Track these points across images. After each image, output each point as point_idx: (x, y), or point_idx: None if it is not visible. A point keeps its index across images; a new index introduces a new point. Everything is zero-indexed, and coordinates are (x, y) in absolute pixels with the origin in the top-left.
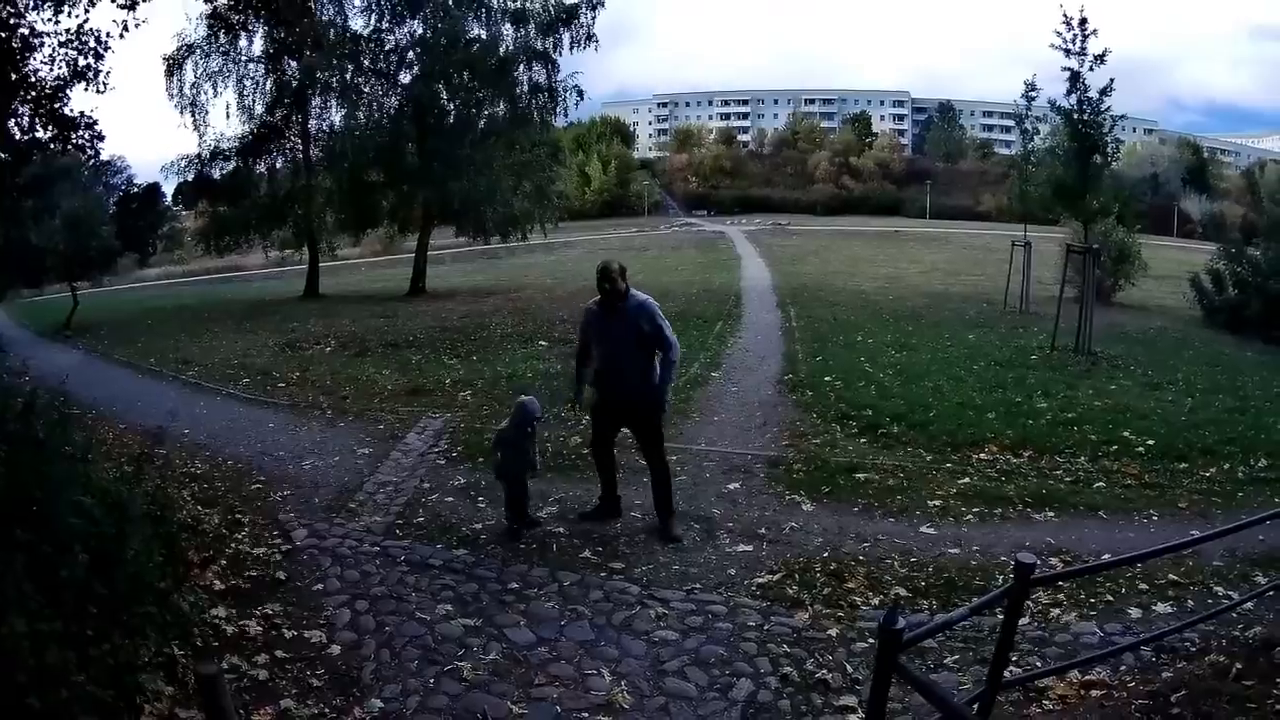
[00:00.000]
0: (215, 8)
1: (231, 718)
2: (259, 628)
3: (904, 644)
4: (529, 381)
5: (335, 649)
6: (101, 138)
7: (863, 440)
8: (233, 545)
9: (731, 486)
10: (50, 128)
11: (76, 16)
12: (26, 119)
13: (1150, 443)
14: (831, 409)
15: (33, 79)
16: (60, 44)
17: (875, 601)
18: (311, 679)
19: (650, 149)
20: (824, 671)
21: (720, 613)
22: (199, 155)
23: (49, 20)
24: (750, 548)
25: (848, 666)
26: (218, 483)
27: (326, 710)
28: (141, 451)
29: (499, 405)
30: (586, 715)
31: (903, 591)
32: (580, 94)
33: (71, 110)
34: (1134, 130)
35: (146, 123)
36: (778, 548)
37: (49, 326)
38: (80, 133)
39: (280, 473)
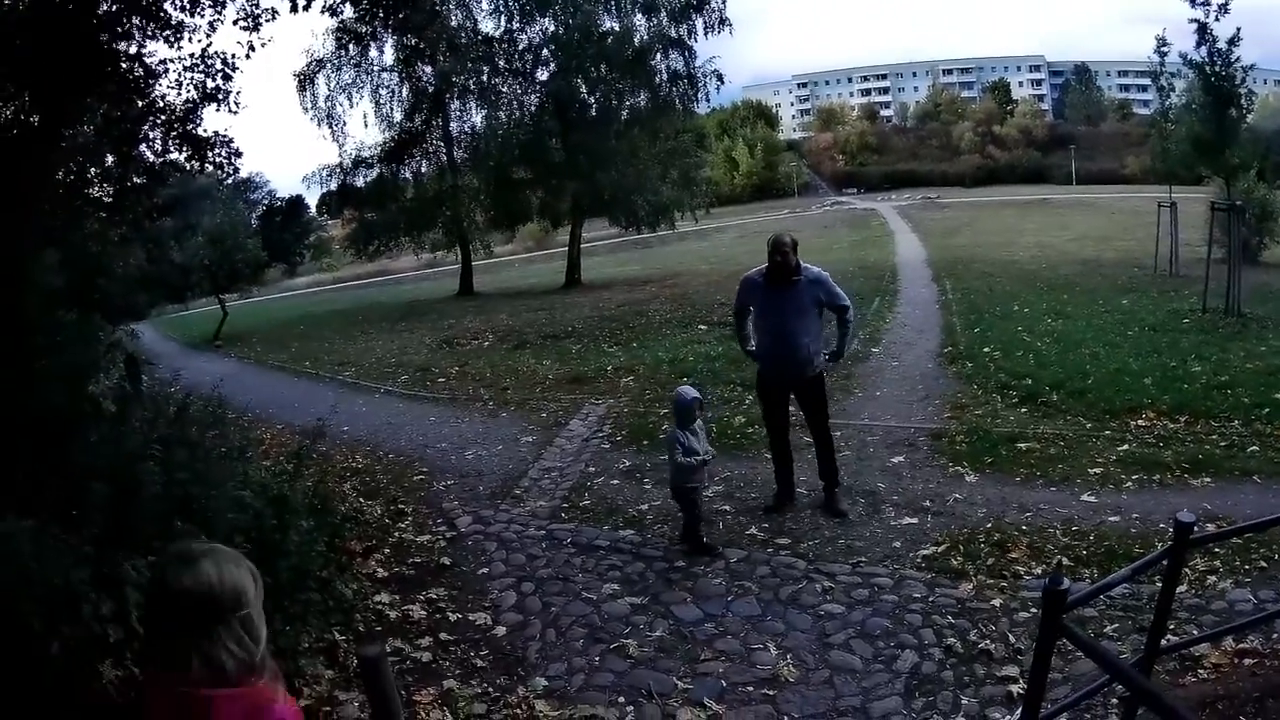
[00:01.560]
0: (342, 22)
1: (394, 699)
2: (423, 612)
3: (1068, 605)
4: (691, 365)
5: (500, 630)
6: (239, 154)
7: (1023, 410)
8: (396, 534)
9: (895, 460)
10: (185, 148)
11: (199, 42)
12: (159, 142)
13: None
14: (991, 379)
15: (161, 104)
16: (186, 69)
17: (1038, 571)
18: (475, 660)
19: (794, 130)
20: (987, 642)
21: (885, 585)
22: (340, 165)
23: (172, 47)
24: (915, 520)
25: (1010, 636)
26: (379, 475)
27: (490, 689)
28: (300, 447)
29: (661, 389)
30: (752, 689)
31: (1065, 560)
32: (720, 78)
33: (205, 131)
34: (1265, 82)
35: (285, 139)
36: (942, 519)
37: (198, 339)
38: (216, 151)
39: (443, 464)
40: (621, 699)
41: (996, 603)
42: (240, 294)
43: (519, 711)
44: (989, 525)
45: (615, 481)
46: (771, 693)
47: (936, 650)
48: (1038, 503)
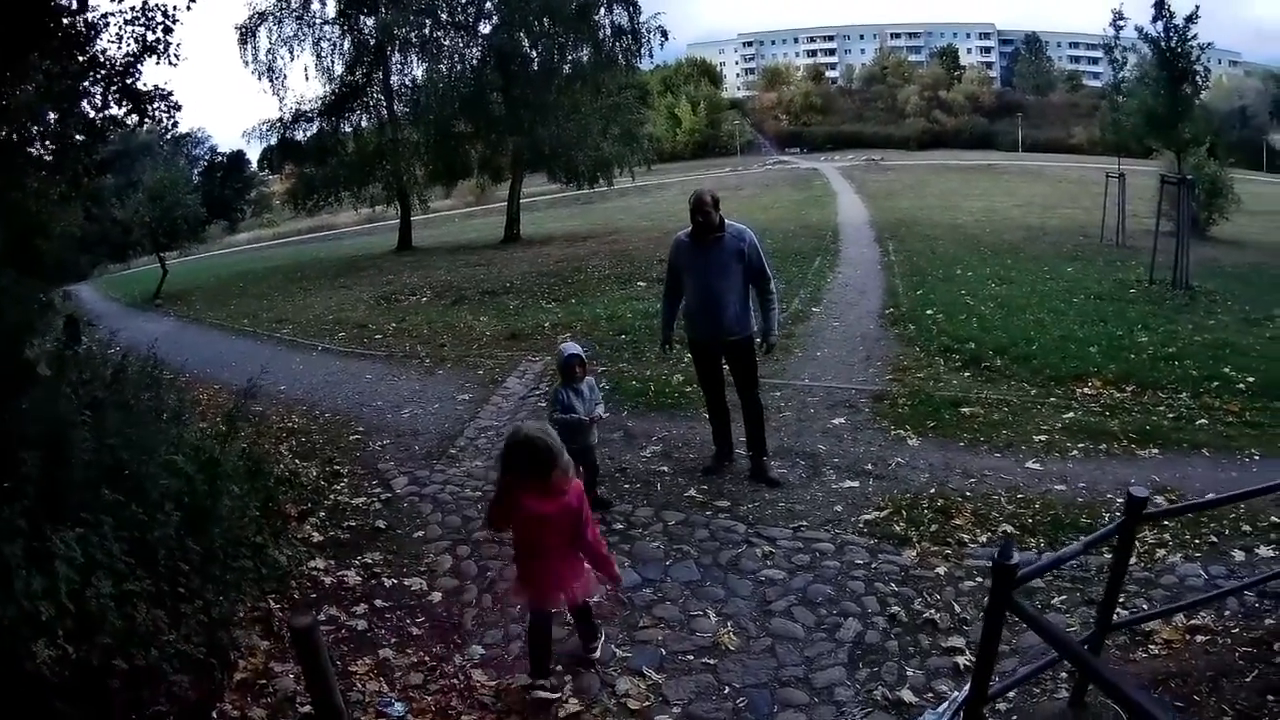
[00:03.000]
0: None
1: (327, 670)
2: (358, 578)
3: (1017, 580)
4: (629, 322)
5: (436, 596)
6: (178, 108)
7: (966, 374)
8: (331, 497)
9: (836, 422)
10: (124, 103)
11: None
12: (99, 98)
13: (1251, 379)
14: (934, 342)
15: (102, 58)
16: (126, 21)
17: (983, 539)
18: (411, 627)
19: (739, 89)
20: (931, 611)
21: (827, 551)
22: (280, 119)
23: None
24: (856, 484)
25: (955, 606)
26: (315, 436)
27: (426, 658)
28: (233, 408)
29: (599, 347)
30: (692, 657)
31: (1010, 529)
32: (664, 35)
33: (145, 85)
34: (1219, 62)
35: (225, 93)
36: (884, 484)
37: (139, 298)
38: (155, 105)
39: (379, 423)
40: (559, 667)
41: (941, 571)
42: (181, 252)
43: (456, 681)
44: (932, 491)
45: None
46: (712, 661)
47: (880, 619)
48: (982, 469)
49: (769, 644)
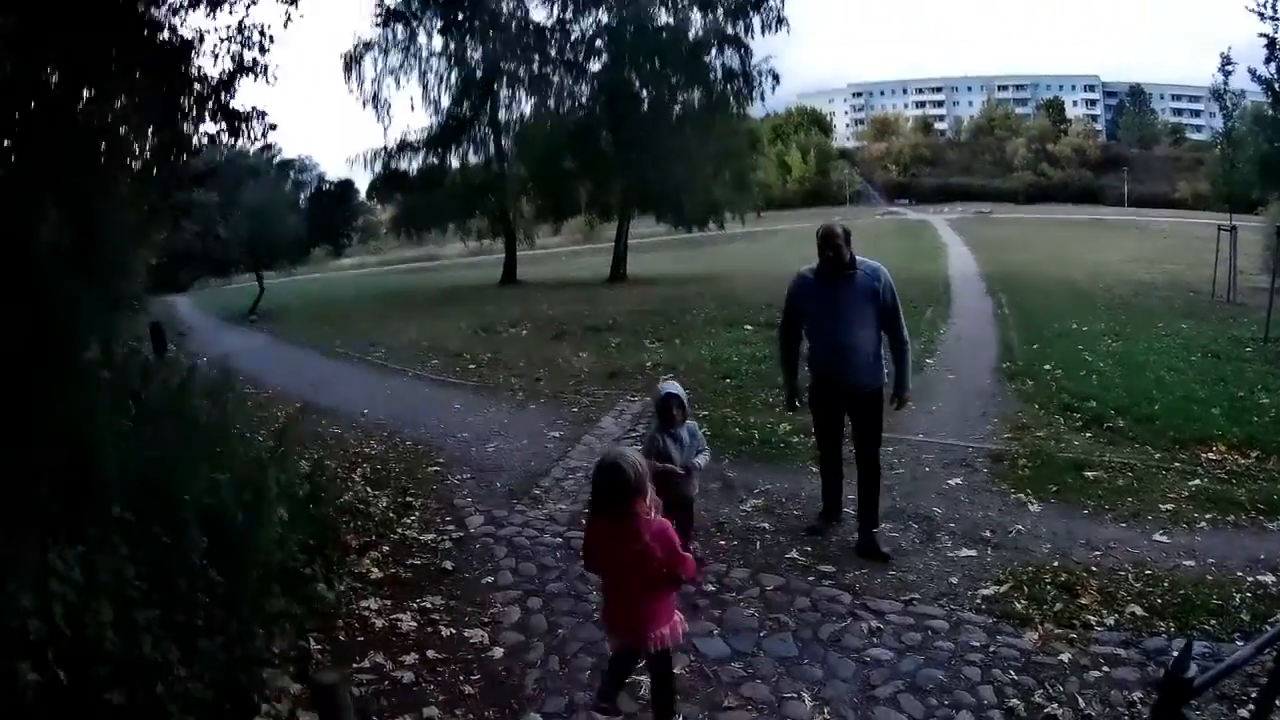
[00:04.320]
0: (386, 6)
1: None
2: (413, 623)
3: (1190, 693)
4: (734, 365)
5: (497, 652)
6: (273, 127)
7: (1087, 434)
8: (399, 531)
9: (953, 482)
10: (219, 120)
11: (237, 14)
12: (194, 113)
13: None
14: (1053, 399)
15: (197, 74)
16: (223, 39)
17: (1110, 621)
18: (464, 685)
19: (848, 138)
20: (1054, 706)
21: (941, 629)
22: (385, 148)
23: (208, 17)
24: (974, 553)
25: (1080, 700)
26: (392, 464)
27: None
28: (284, 425)
29: (702, 389)
30: None
31: (1138, 610)
32: (776, 79)
33: (243, 106)
34: None
35: (334, 123)
36: (1003, 554)
37: (235, 313)
38: (251, 124)
39: (461, 455)
40: None
41: (1065, 658)
42: (281, 272)
43: None
44: (1055, 563)
45: None
46: None
47: (997, 713)
48: (1107, 540)
49: None
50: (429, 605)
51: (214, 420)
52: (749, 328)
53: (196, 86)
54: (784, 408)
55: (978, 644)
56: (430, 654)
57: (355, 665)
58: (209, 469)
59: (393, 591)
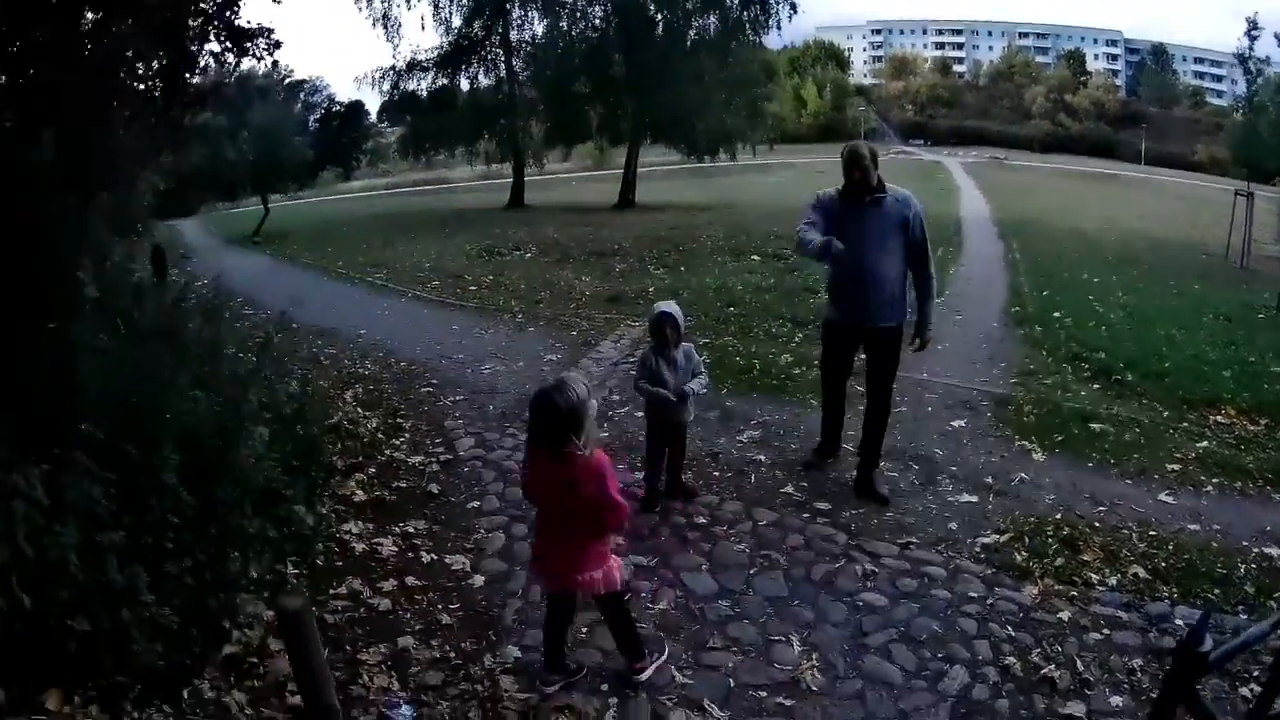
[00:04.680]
0: None
1: (318, 664)
2: (394, 548)
3: (1205, 669)
4: (739, 295)
5: (478, 580)
6: (278, 45)
7: (1095, 385)
8: (386, 452)
9: (956, 424)
10: (223, 39)
11: None
12: (199, 32)
13: None
14: (1062, 348)
15: None
16: None
17: (1112, 581)
18: (443, 614)
19: (865, 76)
20: (1051, 667)
21: (938, 577)
22: (394, 68)
23: None
24: (975, 499)
25: (1078, 662)
26: (385, 385)
27: (452, 654)
28: (263, 340)
29: (705, 317)
30: (765, 694)
31: (1141, 572)
32: (793, 7)
33: (248, 22)
34: None
35: (343, 45)
36: (1005, 501)
37: (239, 235)
38: (255, 42)
39: (455, 377)
40: (605, 686)
41: (1065, 615)
42: (288, 194)
43: (480, 687)
44: (1058, 515)
45: (640, 414)
46: (788, 702)
47: (991, 670)
48: (1112, 496)
49: (858, 687)
50: (411, 530)
51: (205, 340)
52: (756, 258)
53: (202, 4)
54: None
55: (975, 595)
56: (410, 580)
57: (331, 591)
58: (191, 388)
59: (376, 515)
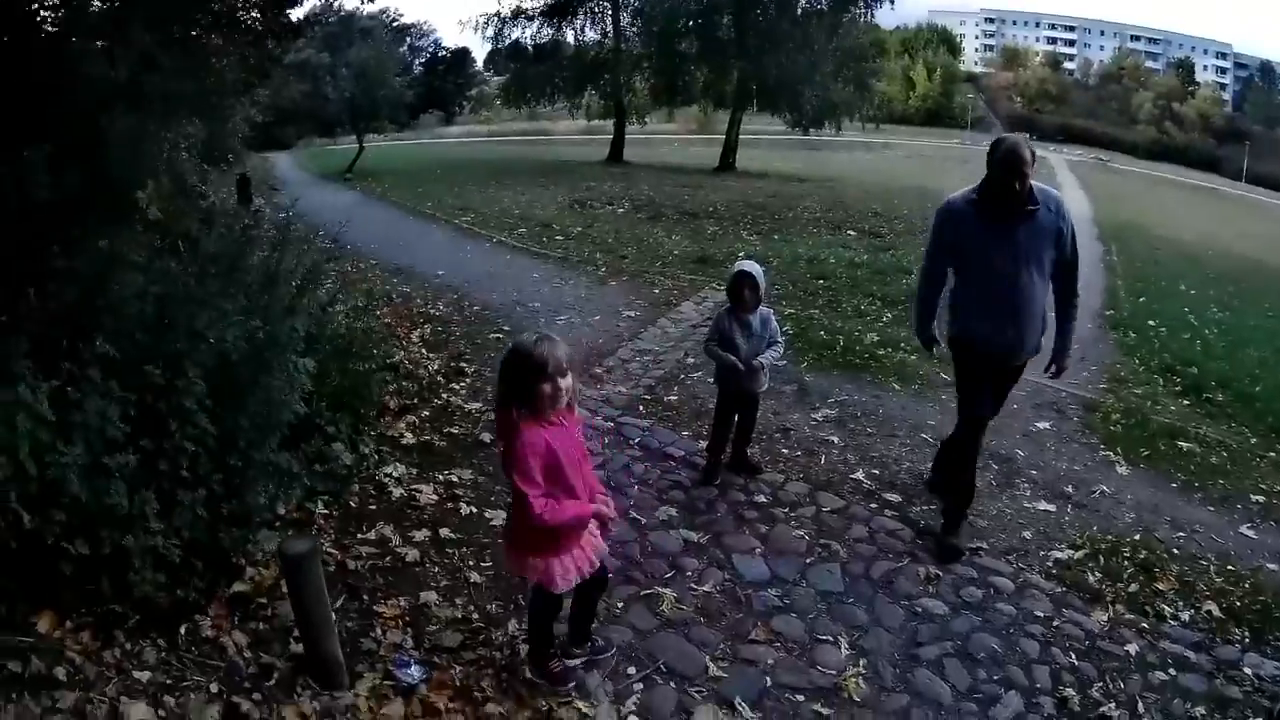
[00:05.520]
0: None
1: (321, 611)
2: (434, 496)
3: None
4: (830, 268)
5: None
6: None
7: (1185, 401)
8: (444, 396)
9: (1041, 425)
10: None
11: None
12: None
13: None
14: (1155, 357)
15: None
16: None
17: (1185, 616)
18: (472, 572)
19: (975, 64)
20: (1111, 705)
21: (1005, 589)
22: (498, 13)
23: None
24: (1052, 508)
25: (1139, 704)
26: (454, 328)
27: (475, 616)
28: (310, 267)
29: (793, 286)
30: (802, 699)
31: (1215, 610)
32: None
33: None
34: None
35: None
36: (1083, 514)
37: (332, 171)
38: None
39: (528, 325)
40: (631, 669)
41: (1132, 649)
42: (386, 134)
43: (499, 654)
44: (1136, 536)
45: (712, 380)
46: (825, 710)
47: (1048, 701)
48: (1193, 522)
49: (904, 703)
50: (455, 479)
51: (265, 269)
52: (852, 233)
53: None
54: (931, 353)
55: (1041, 614)
56: (444, 532)
57: (360, 536)
58: (236, 315)
59: (421, 460)
